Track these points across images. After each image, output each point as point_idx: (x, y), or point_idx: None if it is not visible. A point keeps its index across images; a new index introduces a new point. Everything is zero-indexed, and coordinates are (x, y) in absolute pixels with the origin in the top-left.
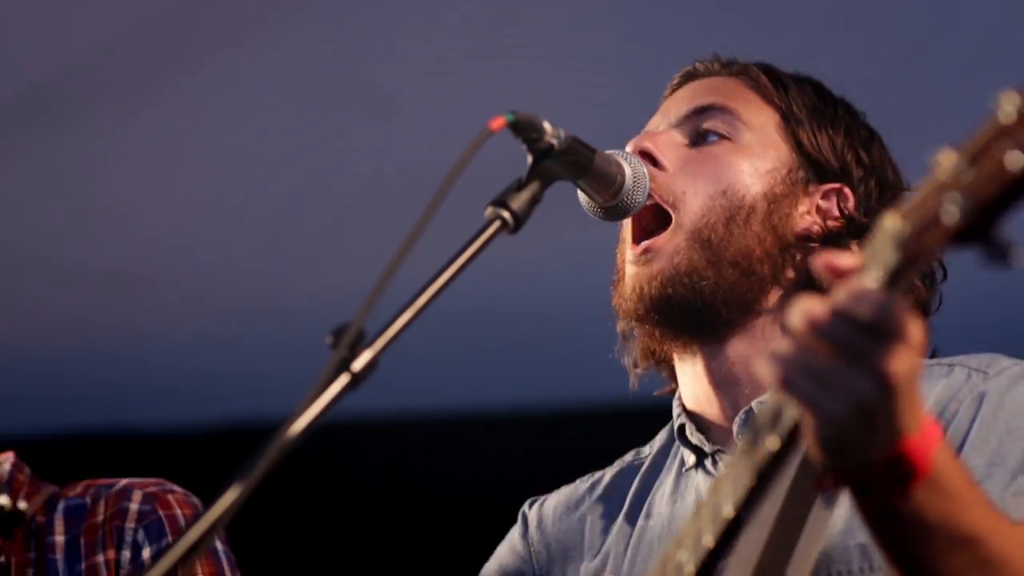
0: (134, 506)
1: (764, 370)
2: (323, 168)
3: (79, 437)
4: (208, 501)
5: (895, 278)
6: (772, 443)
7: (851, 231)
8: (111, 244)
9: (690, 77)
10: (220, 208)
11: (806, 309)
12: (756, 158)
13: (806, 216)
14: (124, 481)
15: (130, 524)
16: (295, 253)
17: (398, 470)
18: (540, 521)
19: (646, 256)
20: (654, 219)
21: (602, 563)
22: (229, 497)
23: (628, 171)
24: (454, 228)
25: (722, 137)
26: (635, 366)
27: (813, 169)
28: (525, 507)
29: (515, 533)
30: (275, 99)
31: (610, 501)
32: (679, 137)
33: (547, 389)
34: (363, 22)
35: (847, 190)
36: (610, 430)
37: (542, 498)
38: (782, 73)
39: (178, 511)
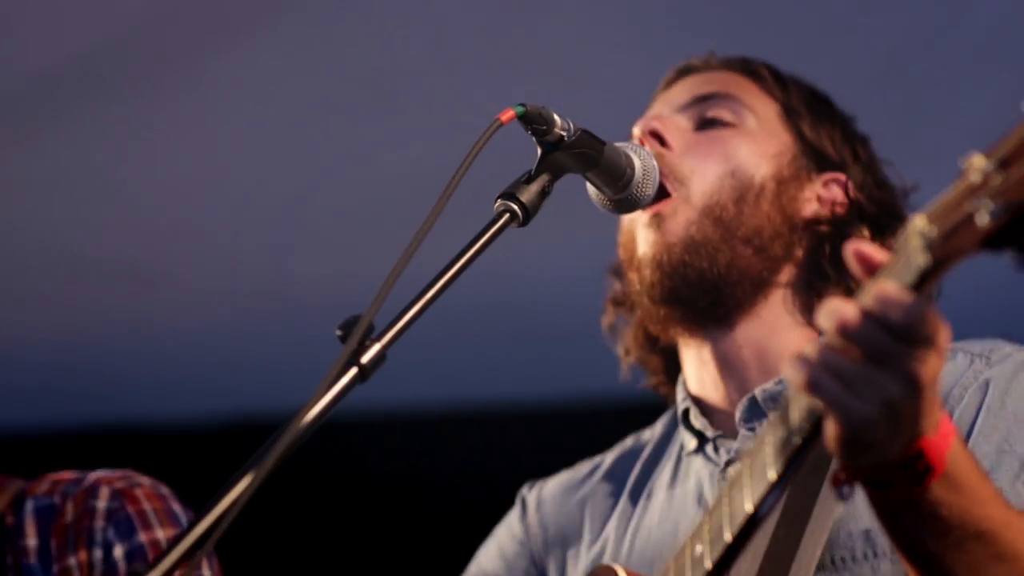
0: (102, 504)
1: (790, 372)
2: (329, 161)
3: (85, 431)
4: (216, 493)
5: (924, 280)
6: (796, 440)
7: (859, 215)
8: (117, 235)
9: (686, 72)
10: (227, 200)
11: (835, 310)
12: (762, 142)
13: (812, 202)
14: (91, 477)
15: (99, 523)
16: (302, 246)
17: (404, 464)
18: (539, 504)
19: (657, 220)
20: (659, 198)
21: (602, 548)
22: (239, 488)
23: (638, 164)
24: (459, 221)
25: (727, 124)
26: (626, 354)
27: (815, 158)
28: (524, 490)
29: (513, 515)
30: (281, 92)
31: (610, 485)
32: (684, 122)
33: (554, 383)
34: (368, 14)
35: (846, 179)
36: (617, 424)
37: (541, 481)
38: (780, 71)
39: (147, 505)
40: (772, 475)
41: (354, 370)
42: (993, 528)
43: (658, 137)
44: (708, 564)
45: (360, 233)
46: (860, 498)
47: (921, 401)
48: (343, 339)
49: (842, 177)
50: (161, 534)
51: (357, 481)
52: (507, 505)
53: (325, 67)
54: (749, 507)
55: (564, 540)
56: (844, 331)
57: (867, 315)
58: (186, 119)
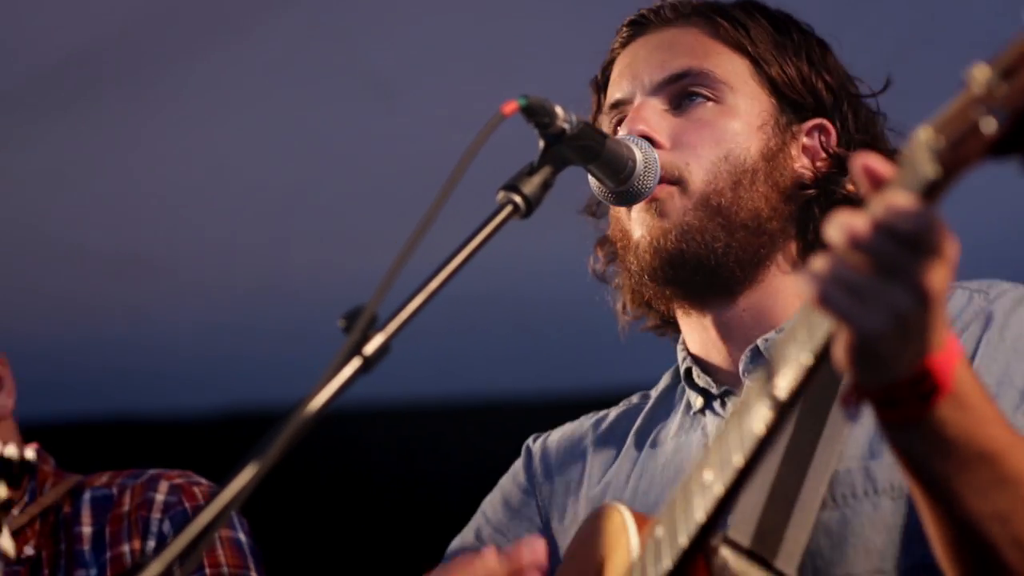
0: (160, 497)
1: (802, 287)
2: (327, 153)
3: (81, 424)
4: (220, 484)
5: (933, 190)
6: (806, 359)
7: (840, 169)
8: (115, 228)
9: (640, 27)
10: (224, 192)
11: (845, 222)
12: (744, 116)
13: (797, 159)
14: (150, 472)
15: (156, 514)
16: (299, 238)
17: (405, 456)
18: (543, 454)
19: (656, 205)
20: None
21: (603, 490)
22: (242, 480)
23: (639, 156)
24: (461, 213)
25: (708, 100)
26: (624, 311)
27: (792, 109)
28: (529, 441)
29: (518, 465)
30: (278, 84)
31: (614, 436)
32: (660, 104)
33: (555, 375)
34: (366, 6)
35: (827, 123)
36: None
37: (545, 433)
38: (733, 9)
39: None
40: (782, 393)
41: (358, 361)
42: (998, 449)
43: (646, 139)
44: (719, 489)
45: (358, 225)
46: (860, 434)
47: (930, 314)
48: (346, 330)
49: (823, 122)
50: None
51: (358, 472)
52: None
53: (326, 60)
54: (761, 429)
55: (567, 487)
56: (854, 242)
57: (876, 225)
58: (184, 113)
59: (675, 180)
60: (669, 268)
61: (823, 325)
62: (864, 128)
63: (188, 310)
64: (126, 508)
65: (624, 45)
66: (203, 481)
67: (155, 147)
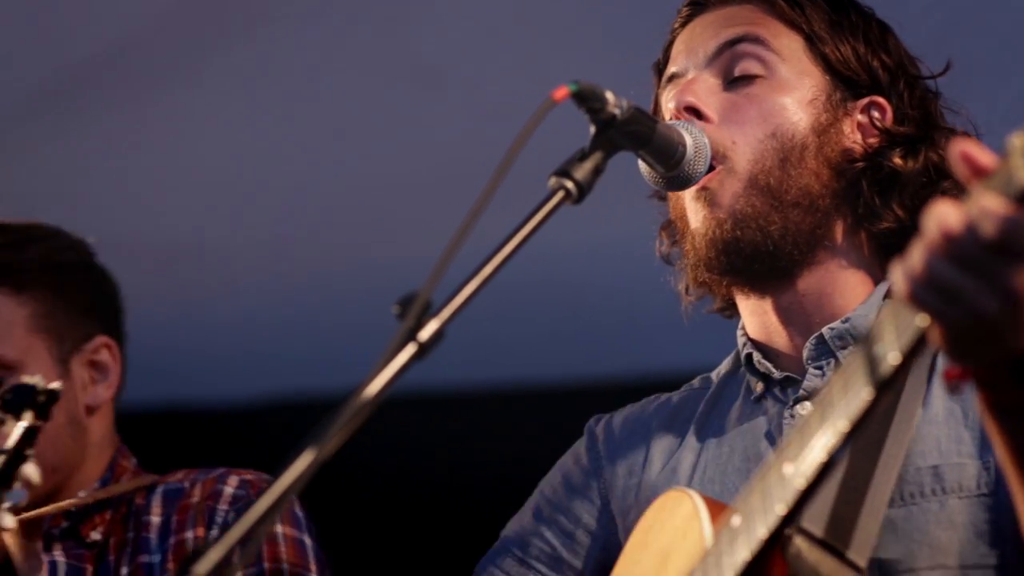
0: (229, 489)
1: (895, 280)
2: (374, 141)
3: (129, 415)
4: (277, 471)
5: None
6: (894, 358)
7: (891, 143)
8: (157, 219)
9: (699, 7)
10: (268, 183)
11: (941, 217)
12: (795, 90)
13: (850, 136)
14: (223, 468)
15: (223, 505)
16: (342, 227)
17: (458, 443)
18: (607, 435)
19: (706, 194)
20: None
21: (668, 477)
22: (299, 467)
23: (689, 141)
24: (513, 199)
25: (757, 76)
26: (686, 292)
27: (846, 86)
28: (591, 423)
29: (580, 446)
30: (325, 71)
31: (677, 421)
32: (712, 79)
33: (607, 361)
34: None
35: (882, 100)
36: None
37: (608, 415)
38: None
39: None
40: (867, 393)
41: (412, 347)
42: None
43: (694, 111)
44: (800, 483)
45: (403, 214)
46: (928, 432)
47: (1017, 314)
48: (400, 316)
49: (878, 99)
50: (280, 529)
51: (412, 459)
52: None
53: (372, 48)
54: (845, 426)
55: (629, 470)
56: (947, 238)
57: (970, 225)
58: (228, 101)
59: (721, 158)
60: (726, 258)
61: (912, 322)
62: (920, 105)
63: (231, 300)
64: (195, 499)
65: (683, 25)
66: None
67: (198, 137)
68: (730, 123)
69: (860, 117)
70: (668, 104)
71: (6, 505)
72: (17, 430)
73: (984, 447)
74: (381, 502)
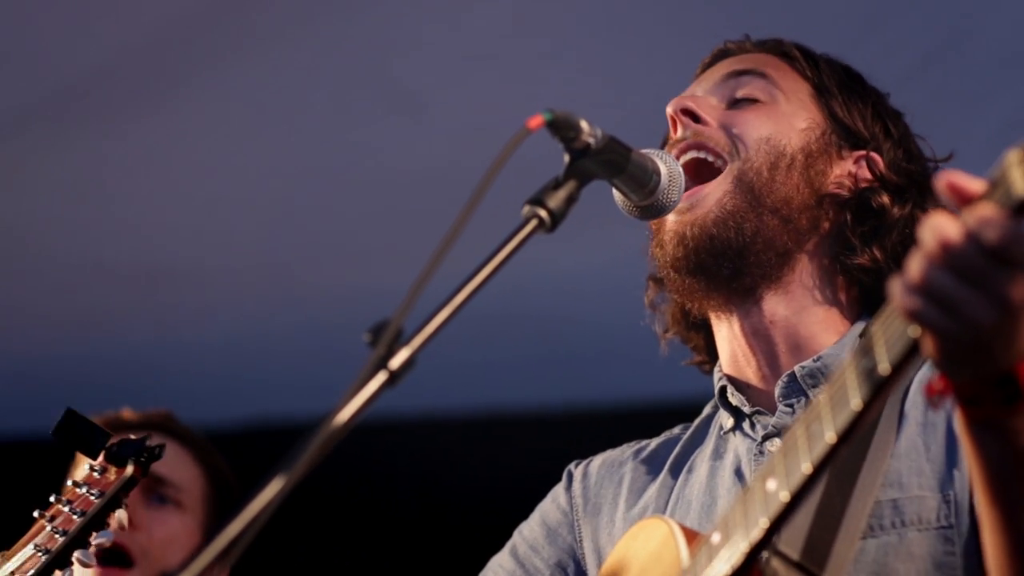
0: None
1: (893, 293)
2: (353, 167)
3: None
4: (246, 496)
5: (1022, 208)
6: (884, 369)
7: (883, 186)
8: (134, 242)
9: (723, 55)
10: (246, 206)
11: (939, 227)
12: (791, 117)
13: (844, 178)
14: None
15: None
16: (324, 252)
17: (430, 469)
18: (584, 477)
19: (692, 201)
20: (697, 176)
21: (640, 513)
22: (269, 493)
23: (663, 170)
24: (484, 227)
25: (757, 101)
26: (665, 332)
27: (845, 135)
28: (571, 467)
29: (559, 488)
30: (305, 98)
31: (652, 463)
32: (715, 101)
33: (579, 389)
34: (391, 19)
35: (876, 156)
36: (639, 430)
37: (588, 459)
38: (813, 51)
39: None
40: (856, 404)
41: (383, 375)
42: None
43: (691, 114)
44: (784, 496)
45: (381, 240)
46: (891, 468)
47: (1012, 326)
48: (372, 344)
49: (874, 155)
50: None
51: (383, 485)
52: (530, 509)
53: (352, 73)
54: (832, 437)
55: (602, 508)
56: (944, 248)
57: (967, 234)
58: (207, 126)
59: (723, 150)
60: (695, 256)
61: (904, 333)
62: (915, 159)
63: (207, 324)
64: None
65: (704, 69)
66: None
67: (176, 161)
68: (727, 126)
69: (853, 167)
70: (666, 111)
71: (94, 542)
72: (120, 480)
73: (945, 481)
74: (352, 528)
